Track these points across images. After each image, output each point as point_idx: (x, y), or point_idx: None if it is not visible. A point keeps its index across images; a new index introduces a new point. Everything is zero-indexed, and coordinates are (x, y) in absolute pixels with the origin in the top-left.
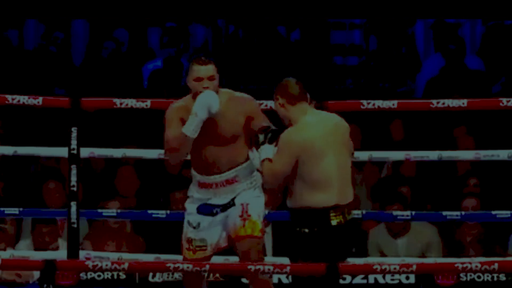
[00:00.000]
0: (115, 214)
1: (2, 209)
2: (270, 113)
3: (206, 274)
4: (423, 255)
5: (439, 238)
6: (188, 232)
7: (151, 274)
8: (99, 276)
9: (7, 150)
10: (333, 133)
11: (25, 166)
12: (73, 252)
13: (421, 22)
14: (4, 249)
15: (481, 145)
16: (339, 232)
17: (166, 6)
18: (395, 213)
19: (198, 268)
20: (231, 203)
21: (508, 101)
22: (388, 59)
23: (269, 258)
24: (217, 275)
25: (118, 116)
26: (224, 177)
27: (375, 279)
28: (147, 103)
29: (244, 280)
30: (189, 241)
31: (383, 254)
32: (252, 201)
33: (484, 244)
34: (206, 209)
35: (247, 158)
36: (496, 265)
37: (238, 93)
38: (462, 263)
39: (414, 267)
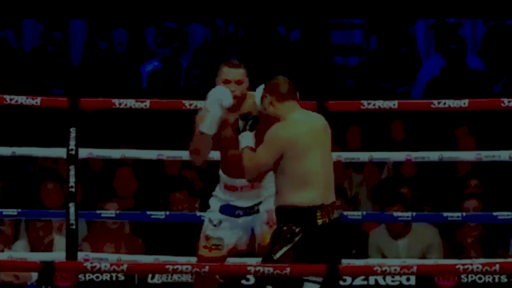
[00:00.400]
0: (113, 215)
1: (0, 210)
2: None
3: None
4: (423, 257)
5: (440, 239)
6: (207, 229)
7: (150, 275)
8: (97, 277)
9: (5, 150)
10: (320, 132)
11: (23, 166)
12: (71, 254)
13: (421, 22)
14: (2, 251)
15: (482, 145)
16: (325, 231)
17: (165, 6)
18: (395, 214)
19: (197, 269)
20: (255, 209)
21: (509, 101)
22: (389, 59)
23: None
24: (217, 276)
25: (116, 116)
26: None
27: (376, 280)
28: (146, 104)
29: (244, 282)
30: (207, 238)
31: (383, 256)
32: None
33: (485, 245)
34: (229, 210)
35: None
36: (497, 267)
37: None
38: (463, 265)
39: (415, 268)
